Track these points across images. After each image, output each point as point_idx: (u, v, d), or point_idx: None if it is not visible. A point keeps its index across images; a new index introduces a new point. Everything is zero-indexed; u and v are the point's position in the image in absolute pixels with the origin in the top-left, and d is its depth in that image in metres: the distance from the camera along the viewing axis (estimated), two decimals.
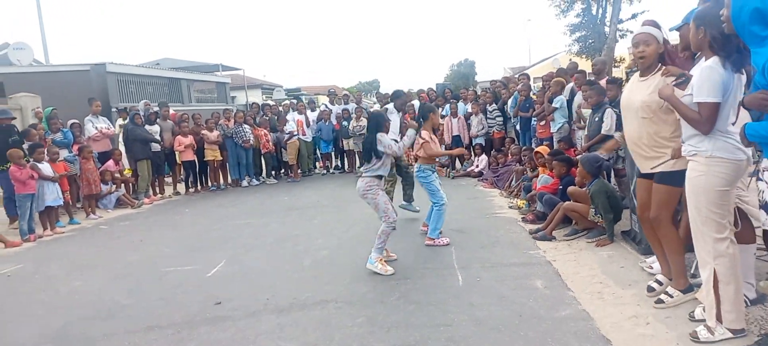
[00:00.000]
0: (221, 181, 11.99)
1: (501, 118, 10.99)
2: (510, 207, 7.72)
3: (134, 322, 4.25)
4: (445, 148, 11.36)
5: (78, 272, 5.78)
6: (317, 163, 13.90)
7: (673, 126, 3.54)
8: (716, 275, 3.09)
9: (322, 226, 7.32)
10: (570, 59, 39.02)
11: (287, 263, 5.64)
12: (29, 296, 5.11)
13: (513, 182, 8.81)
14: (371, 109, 13.23)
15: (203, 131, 11.47)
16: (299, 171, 12.68)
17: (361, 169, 5.28)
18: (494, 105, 11.07)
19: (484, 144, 11.28)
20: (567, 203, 5.73)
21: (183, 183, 11.72)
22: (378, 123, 5.17)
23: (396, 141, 5.28)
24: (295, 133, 12.48)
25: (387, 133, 5.27)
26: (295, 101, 14.13)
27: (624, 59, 15.89)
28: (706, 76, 2.98)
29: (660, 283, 4.02)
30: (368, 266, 5.08)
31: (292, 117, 12.73)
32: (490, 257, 5.36)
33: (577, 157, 6.33)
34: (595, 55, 17.13)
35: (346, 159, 13.25)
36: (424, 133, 5.87)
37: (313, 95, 28.83)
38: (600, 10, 17.31)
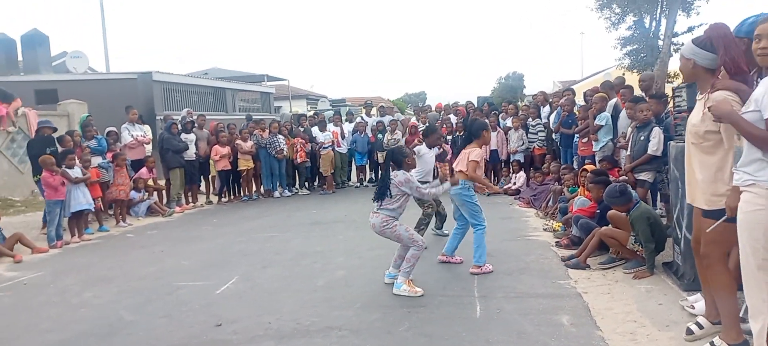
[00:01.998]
0: (253, 191, 11.92)
1: (543, 134, 10.48)
2: (545, 229, 7.25)
3: (133, 341, 4.07)
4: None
5: (92, 284, 5.69)
6: (352, 176, 13.67)
7: (720, 155, 3.09)
8: None
9: (345, 243, 7.05)
10: (622, 73, 37.85)
11: (300, 282, 5.38)
12: (39, 308, 5.03)
13: (550, 202, 8.33)
14: (403, 123, 12.94)
15: (237, 141, 11.44)
16: (333, 183, 12.48)
17: (375, 205, 4.96)
18: (538, 119, 10.58)
19: (523, 160, 10.79)
20: (604, 228, 5.26)
21: (216, 193, 11.71)
22: (396, 160, 4.89)
23: (427, 181, 4.96)
24: (330, 144, 12.31)
25: (409, 169, 5.00)
26: (330, 113, 13.98)
27: (678, 74, 15.01)
28: None
29: (701, 326, 3.55)
30: (395, 291, 4.81)
31: (328, 128, 12.57)
32: (515, 285, 4.95)
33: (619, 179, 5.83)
34: (646, 69, 16.29)
35: (380, 172, 12.97)
36: (477, 153, 5.45)
37: (357, 106, 28.80)
38: (653, 23, 16.44)
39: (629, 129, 6.51)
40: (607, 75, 37.78)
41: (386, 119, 12.71)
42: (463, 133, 10.24)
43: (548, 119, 10.36)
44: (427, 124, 7.58)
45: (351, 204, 10.45)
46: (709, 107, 2.97)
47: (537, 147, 10.49)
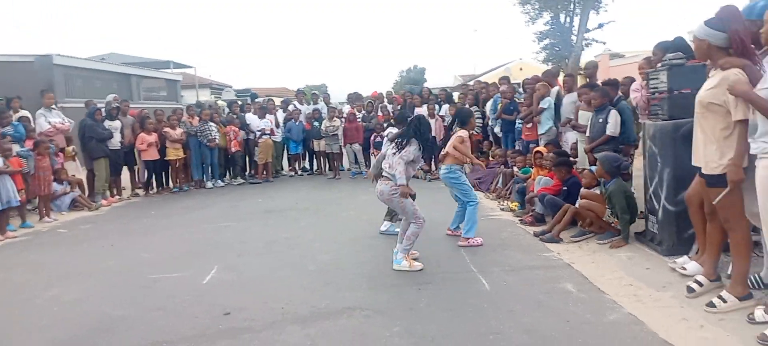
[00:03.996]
0: (184, 182, 11.28)
1: (480, 121, 10.86)
2: (502, 209, 7.57)
3: (137, 336, 3.76)
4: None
5: (54, 281, 5.14)
6: (284, 165, 13.35)
7: (722, 125, 3.41)
8: None
9: (311, 229, 6.91)
10: (520, 68, 39.89)
11: (289, 268, 5.22)
12: (12, 309, 4.48)
13: (498, 184, 8.69)
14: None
15: (165, 129, 10.75)
16: (271, 172, 12.10)
17: (383, 170, 5.05)
18: (474, 107, 10.94)
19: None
20: (582, 202, 5.59)
21: (141, 184, 10.93)
22: (423, 130, 5.04)
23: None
24: (267, 132, 11.92)
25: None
26: (251, 100, 13.51)
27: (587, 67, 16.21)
28: None
29: (701, 284, 3.90)
30: (395, 266, 4.90)
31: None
32: (505, 260, 5.15)
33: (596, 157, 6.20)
34: (561, 63, 17.44)
35: (315, 160, 12.83)
36: (464, 133, 5.72)
37: (264, 97, 28.09)
38: (567, 19, 17.65)
39: (581, 112, 6.94)
40: (507, 69, 39.80)
41: (322, 106, 12.54)
42: (395, 121, 10.57)
43: (484, 108, 10.75)
44: (399, 111, 7.86)
45: (294, 192, 10.23)
46: (727, 88, 3.26)
47: (476, 133, 10.85)
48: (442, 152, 6.13)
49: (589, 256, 5.16)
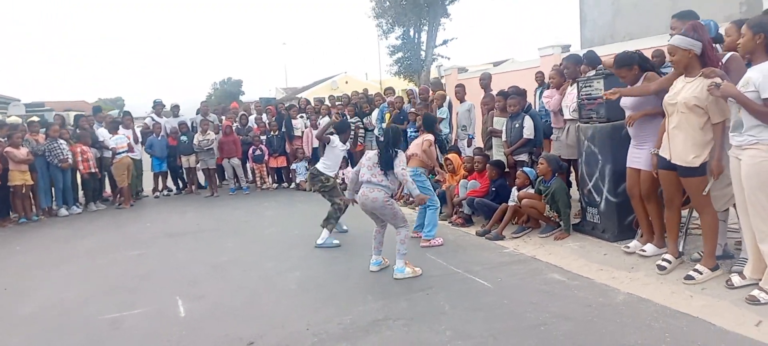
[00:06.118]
0: (32, 210, 9.57)
1: (362, 131, 11.09)
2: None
3: None
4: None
5: None
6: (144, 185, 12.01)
7: (703, 121, 4.10)
8: None
9: (247, 249, 6.43)
10: (346, 81, 40.86)
11: (264, 290, 4.86)
12: None
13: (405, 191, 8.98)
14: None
15: (7, 148, 9.04)
16: (130, 195, 10.78)
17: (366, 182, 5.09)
18: (356, 118, 11.10)
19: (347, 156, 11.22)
20: (525, 201, 6.08)
21: None
22: (397, 139, 5.13)
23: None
24: (124, 149, 10.62)
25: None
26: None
27: (435, 79, 17.45)
28: None
29: (669, 262, 4.56)
30: (397, 275, 4.90)
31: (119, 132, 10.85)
32: (475, 259, 5.42)
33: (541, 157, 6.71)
34: (413, 76, 18.51)
35: (182, 178, 11.81)
36: (431, 137, 5.91)
37: (62, 112, 24.95)
38: (416, 35, 18.77)
39: (496, 118, 7.54)
40: (333, 82, 40.78)
41: (197, 119, 11.60)
42: (278, 133, 10.35)
43: (369, 118, 11.00)
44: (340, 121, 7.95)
45: (181, 214, 9.30)
46: (711, 87, 3.89)
47: (359, 143, 11.05)
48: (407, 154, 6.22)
49: (542, 248, 5.66)
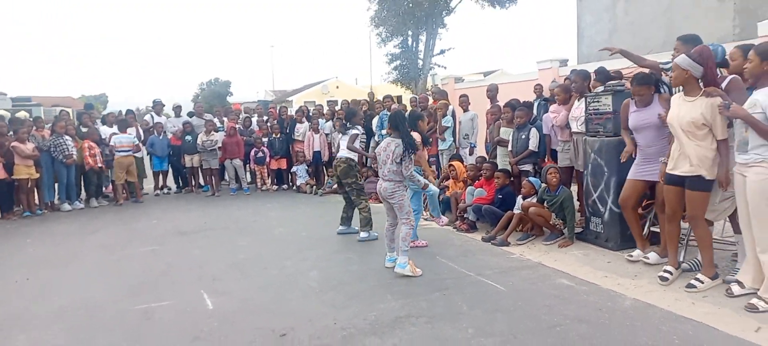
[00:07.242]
0: (36, 204, 9.63)
1: (365, 136, 11.27)
2: (426, 220, 8.08)
3: None
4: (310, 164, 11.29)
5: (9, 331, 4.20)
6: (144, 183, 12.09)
7: (708, 143, 4.38)
8: None
9: (260, 248, 6.61)
10: (337, 86, 41.03)
11: (289, 286, 5.05)
12: None
13: None
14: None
15: (14, 144, 9.12)
16: (125, 193, 10.81)
17: (384, 171, 5.42)
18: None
19: None
20: (531, 209, 6.33)
21: None
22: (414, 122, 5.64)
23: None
24: (131, 148, 10.72)
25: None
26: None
27: (432, 87, 17.72)
28: None
29: (670, 272, 4.83)
30: (398, 270, 5.17)
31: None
32: (485, 263, 5.64)
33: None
34: (411, 84, 18.81)
35: (184, 178, 11.92)
36: (418, 136, 6.01)
37: (49, 107, 24.86)
38: (414, 44, 19.08)
39: (502, 128, 7.80)
40: (324, 86, 40.83)
41: (194, 119, 11.73)
42: (280, 136, 10.84)
43: (370, 124, 11.20)
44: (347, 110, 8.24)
45: (185, 212, 9.44)
46: (721, 107, 4.17)
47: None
48: None
49: (547, 255, 5.91)
